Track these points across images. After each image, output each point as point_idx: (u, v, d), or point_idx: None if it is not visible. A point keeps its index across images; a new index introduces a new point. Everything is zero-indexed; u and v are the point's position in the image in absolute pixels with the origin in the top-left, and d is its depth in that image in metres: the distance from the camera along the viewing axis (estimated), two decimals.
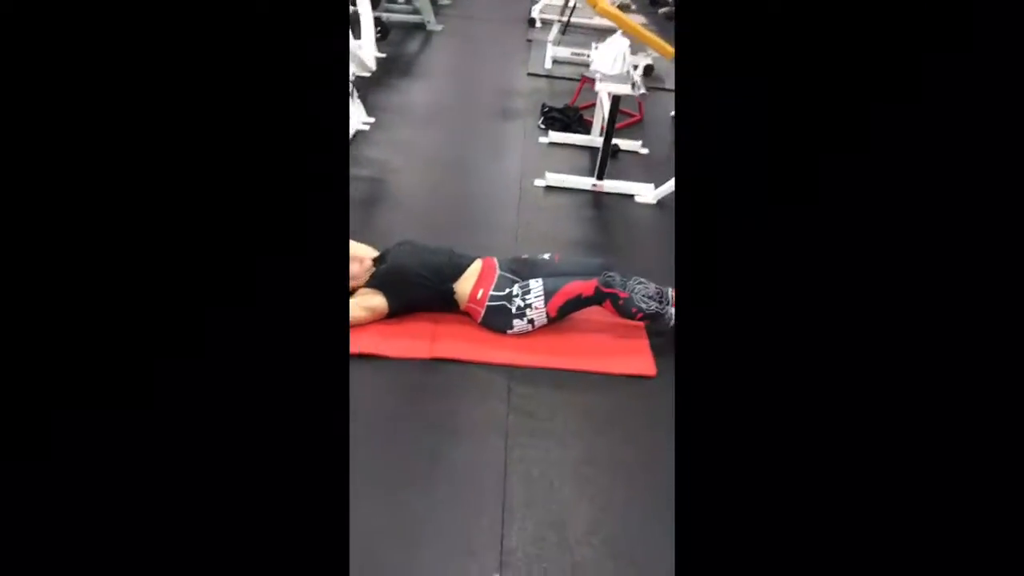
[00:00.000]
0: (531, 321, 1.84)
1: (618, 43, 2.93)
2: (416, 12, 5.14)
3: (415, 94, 3.86)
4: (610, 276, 1.82)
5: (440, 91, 4.02)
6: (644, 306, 1.81)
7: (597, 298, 1.82)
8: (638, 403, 1.70)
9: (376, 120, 3.17)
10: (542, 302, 1.82)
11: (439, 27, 5.19)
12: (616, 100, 2.68)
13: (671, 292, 1.85)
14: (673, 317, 1.84)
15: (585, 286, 1.82)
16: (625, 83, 2.69)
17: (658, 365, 1.80)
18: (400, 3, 5.36)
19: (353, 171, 2.79)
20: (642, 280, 1.84)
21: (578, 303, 1.84)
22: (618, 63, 2.84)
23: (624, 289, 1.80)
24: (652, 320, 1.86)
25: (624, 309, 1.82)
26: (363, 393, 1.54)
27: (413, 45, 4.81)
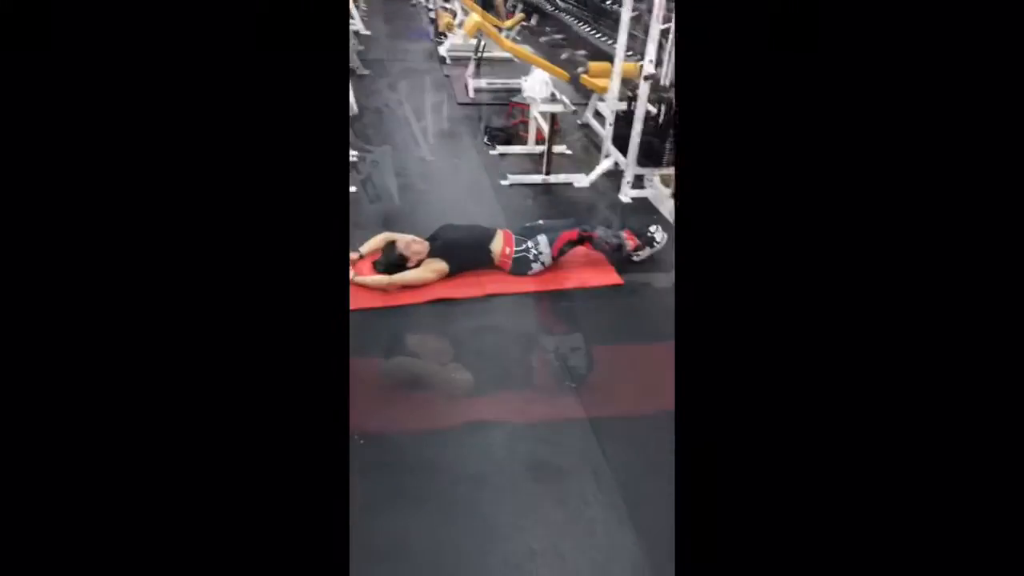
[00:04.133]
0: (543, 264, 2.87)
1: (540, 75, 4.02)
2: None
3: (381, 130, 4.75)
4: (586, 226, 2.89)
5: (397, 125, 4.94)
6: (609, 241, 2.89)
7: (579, 240, 2.88)
8: (616, 299, 2.79)
9: (359, 154, 4.09)
10: (547, 249, 2.85)
11: (367, 71, 6.10)
12: (554, 116, 3.78)
13: (623, 233, 2.94)
14: (629, 249, 2.93)
15: (571, 233, 2.87)
16: (559, 105, 3.79)
17: (622, 280, 2.90)
18: None
19: (369, 191, 3.70)
20: (604, 227, 2.92)
21: (569, 245, 2.89)
22: (544, 89, 3.93)
23: (594, 231, 2.88)
24: (616, 250, 2.94)
25: (597, 244, 2.89)
26: (455, 316, 2.52)
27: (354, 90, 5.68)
